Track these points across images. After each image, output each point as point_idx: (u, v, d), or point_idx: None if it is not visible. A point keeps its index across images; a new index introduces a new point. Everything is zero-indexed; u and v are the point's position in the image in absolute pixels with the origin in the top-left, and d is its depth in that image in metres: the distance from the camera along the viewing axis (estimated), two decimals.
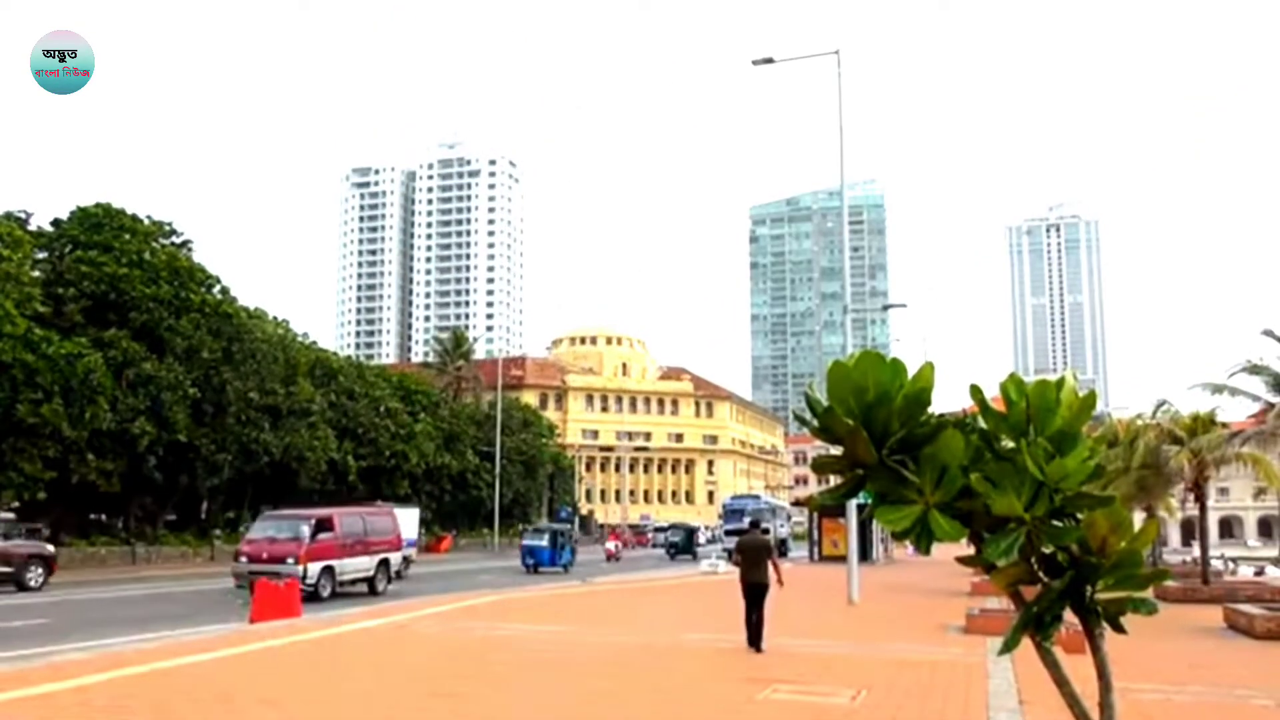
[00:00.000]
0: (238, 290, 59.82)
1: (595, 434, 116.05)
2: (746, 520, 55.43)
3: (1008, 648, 3.30)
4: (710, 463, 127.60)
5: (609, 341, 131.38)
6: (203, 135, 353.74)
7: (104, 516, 46.21)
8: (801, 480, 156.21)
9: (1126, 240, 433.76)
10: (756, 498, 69.31)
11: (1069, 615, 3.22)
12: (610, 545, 52.84)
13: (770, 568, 14.06)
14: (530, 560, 38.47)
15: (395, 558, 27.24)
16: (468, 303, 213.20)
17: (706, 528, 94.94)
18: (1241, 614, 17.49)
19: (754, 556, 14.15)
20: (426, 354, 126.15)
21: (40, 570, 27.13)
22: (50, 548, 28.97)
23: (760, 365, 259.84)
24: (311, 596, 22.19)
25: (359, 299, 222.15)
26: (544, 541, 39.43)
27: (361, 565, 25.11)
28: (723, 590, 27.18)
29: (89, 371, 35.33)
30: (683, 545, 56.34)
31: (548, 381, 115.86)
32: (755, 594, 13.84)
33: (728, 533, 58.69)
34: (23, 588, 25.96)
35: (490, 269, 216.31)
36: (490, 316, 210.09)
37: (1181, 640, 16.21)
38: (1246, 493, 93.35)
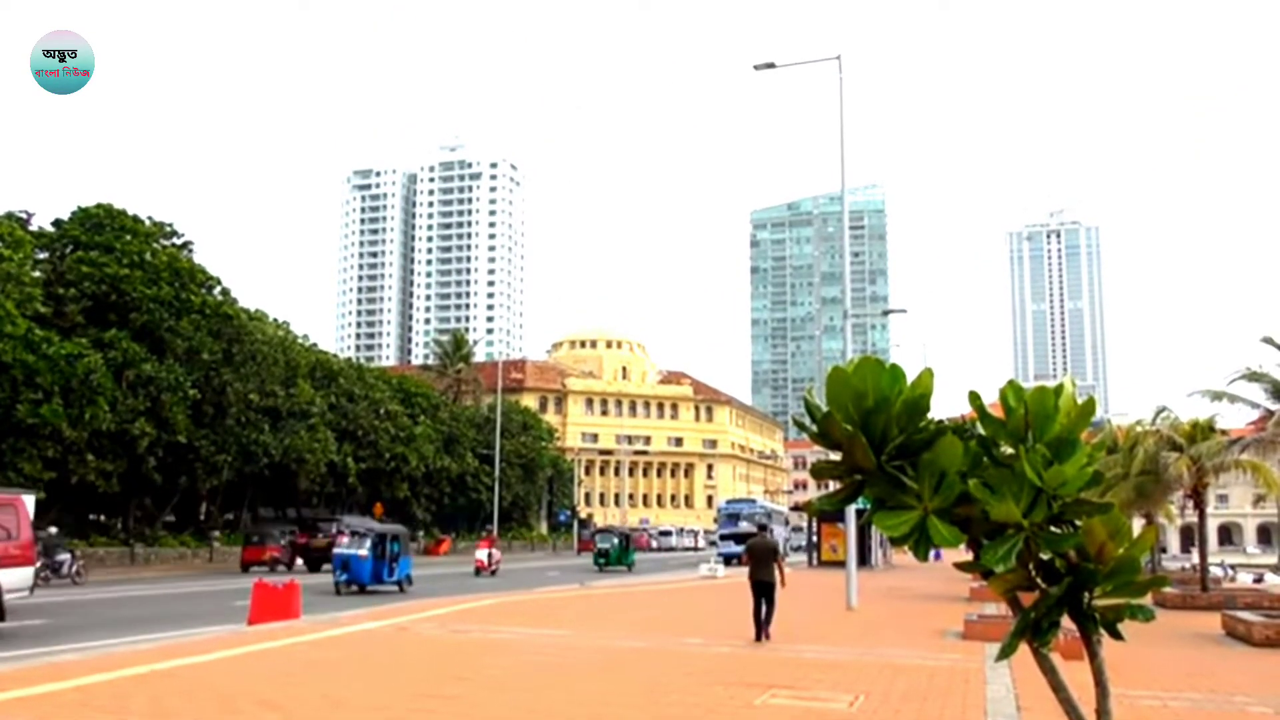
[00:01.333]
0: (238, 292, 60.01)
1: (595, 437, 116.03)
2: (743, 524, 55.04)
3: (1005, 654, 3.31)
4: (710, 467, 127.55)
5: (609, 345, 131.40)
6: (204, 137, 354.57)
7: (103, 517, 46.23)
8: (801, 485, 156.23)
9: (1127, 246, 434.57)
10: (753, 501, 69.11)
11: (1067, 622, 3.23)
12: (480, 555, 39.19)
13: (776, 568, 15.53)
14: (344, 576, 27.35)
15: (18, 577, 16.69)
16: (468, 305, 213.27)
17: (706, 532, 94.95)
18: (1240, 621, 17.48)
19: (762, 557, 15.65)
20: (427, 356, 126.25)
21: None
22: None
23: (760, 370, 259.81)
24: None
25: (359, 301, 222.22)
26: (364, 550, 27.65)
27: None
28: (722, 594, 27.14)
29: (89, 372, 35.35)
30: (616, 554, 45.37)
31: (548, 385, 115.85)
32: (762, 590, 15.38)
33: (722, 537, 58.30)
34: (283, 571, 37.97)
35: (491, 272, 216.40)
36: (490, 319, 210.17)
37: (1180, 647, 16.20)
38: (1246, 500, 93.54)
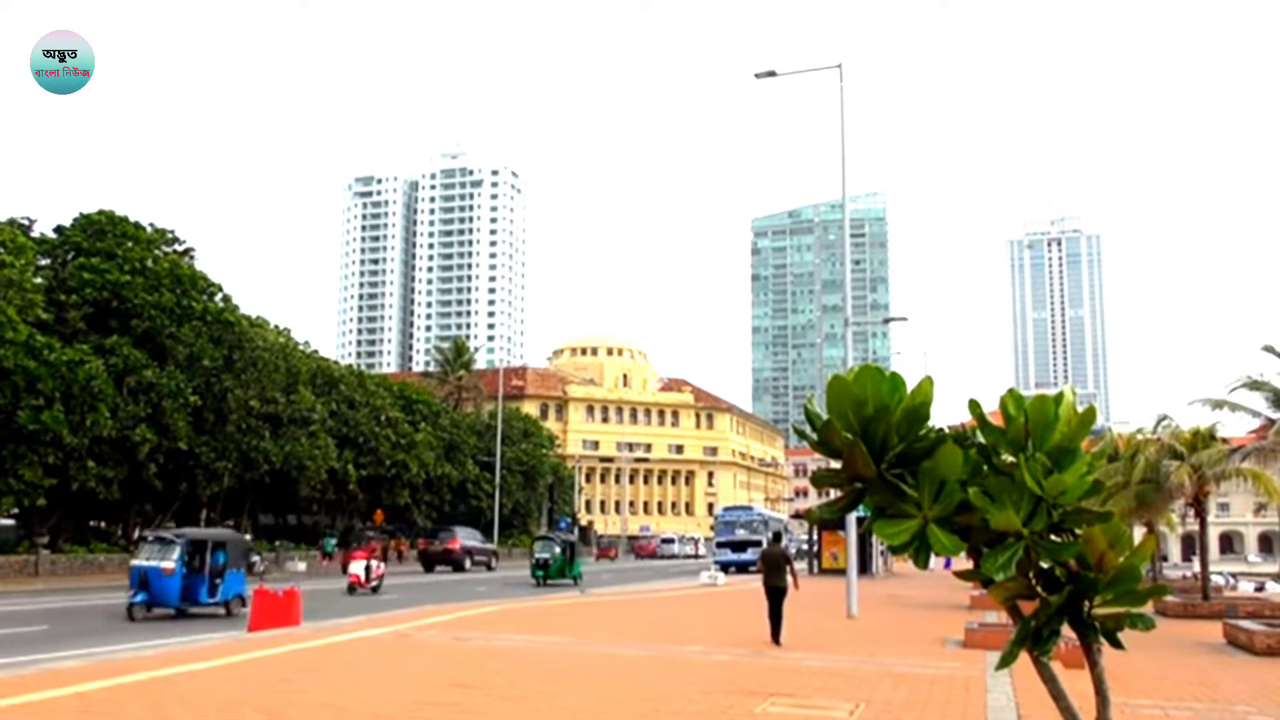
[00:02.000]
0: (239, 298, 60.02)
1: (596, 445, 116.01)
2: (739, 532, 54.78)
3: (1005, 662, 3.31)
4: (710, 474, 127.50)
5: (610, 352, 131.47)
6: (205, 143, 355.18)
7: (103, 524, 46.20)
8: (802, 492, 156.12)
9: (1128, 254, 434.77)
10: (750, 509, 68.20)
11: (1067, 630, 3.23)
12: (356, 568, 30.05)
13: (789, 574, 16.90)
14: (142, 596, 20.20)
15: None
16: (469, 312, 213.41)
17: (707, 540, 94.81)
18: (1241, 630, 17.46)
19: (775, 564, 16.95)
20: (427, 363, 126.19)
21: (494, 560, 53.25)
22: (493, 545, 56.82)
23: (761, 377, 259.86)
24: None
25: (360, 308, 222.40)
26: (169, 562, 20.56)
27: None
28: (722, 602, 27.14)
29: (90, 378, 35.35)
30: (558, 565, 37.47)
31: (548, 392, 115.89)
32: (776, 596, 16.58)
33: (719, 545, 57.91)
34: (464, 570, 48.45)
35: (492, 279, 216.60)
36: (491, 326, 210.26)
37: (1181, 656, 16.18)
38: (1247, 508, 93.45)
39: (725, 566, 49.07)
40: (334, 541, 53.04)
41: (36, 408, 33.96)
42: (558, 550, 37.97)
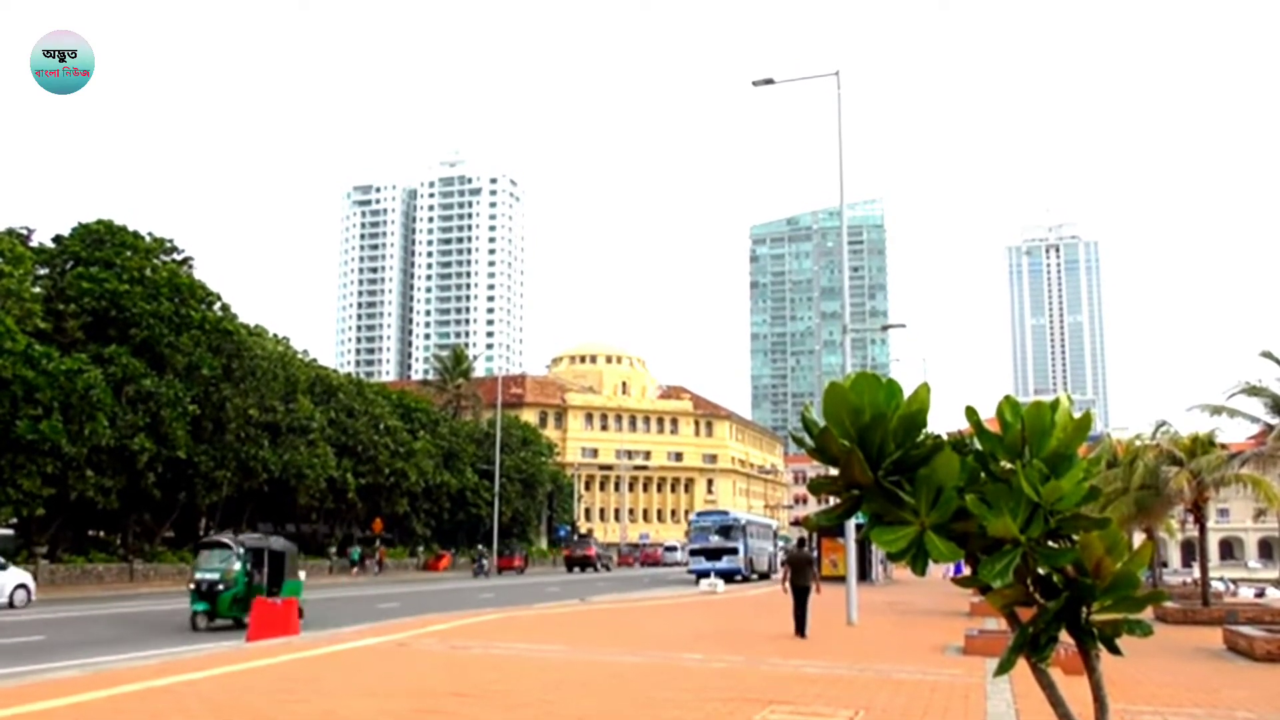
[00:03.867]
0: (238, 307, 59.98)
1: (595, 452, 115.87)
2: (714, 538, 53.01)
3: (1003, 669, 3.31)
4: (710, 481, 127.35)
5: (609, 360, 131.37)
6: (204, 151, 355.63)
7: (102, 533, 46.15)
8: (801, 499, 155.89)
9: (1126, 260, 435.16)
10: (725, 513, 63.42)
11: (1066, 637, 3.23)
12: None
13: (812, 576, 19.30)
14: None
15: None
16: (468, 320, 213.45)
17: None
18: (1241, 636, 17.44)
19: (800, 567, 19.27)
20: (426, 372, 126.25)
21: (612, 563, 74.18)
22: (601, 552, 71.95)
23: (760, 384, 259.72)
24: None
25: (359, 316, 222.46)
26: None
27: None
28: (721, 610, 27.10)
29: (89, 387, 35.33)
30: (237, 593, 20.78)
31: (547, 400, 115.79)
32: (800, 595, 18.82)
33: (693, 552, 53.84)
34: (596, 570, 66.20)
35: (490, 287, 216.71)
36: (490, 334, 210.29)
37: (1181, 662, 16.16)
38: (1247, 514, 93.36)
39: (700, 575, 44.62)
40: (359, 551, 55.57)
41: (35, 417, 33.93)
42: (238, 567, 21.08)
